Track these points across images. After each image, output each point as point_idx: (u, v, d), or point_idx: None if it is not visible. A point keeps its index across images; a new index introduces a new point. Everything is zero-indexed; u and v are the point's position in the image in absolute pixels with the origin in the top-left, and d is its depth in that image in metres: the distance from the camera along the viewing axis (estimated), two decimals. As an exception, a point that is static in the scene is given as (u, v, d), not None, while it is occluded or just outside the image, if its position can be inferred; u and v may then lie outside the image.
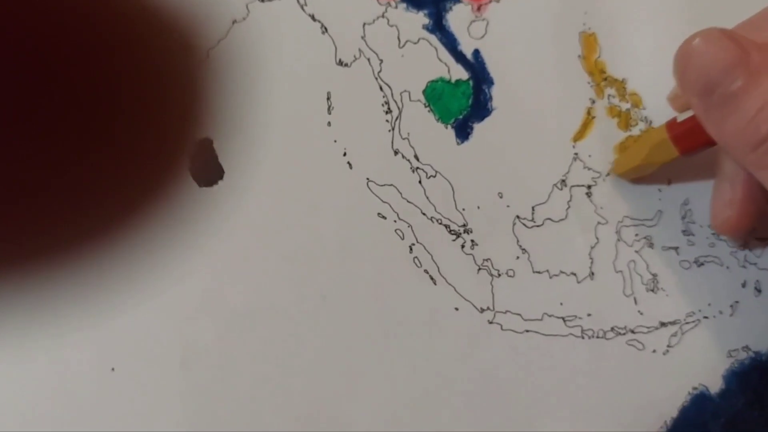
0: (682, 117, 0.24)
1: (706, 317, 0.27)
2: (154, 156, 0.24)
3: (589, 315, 0.27)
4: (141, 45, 0.24)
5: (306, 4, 0.26)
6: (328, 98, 0.26)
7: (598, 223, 0.27)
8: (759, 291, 0.28)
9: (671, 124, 0.25)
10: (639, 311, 0.27)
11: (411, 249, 0.26)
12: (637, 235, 0.28)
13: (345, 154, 0.26)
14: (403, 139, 0.26)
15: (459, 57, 0.27)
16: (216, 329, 0.24)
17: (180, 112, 0.25)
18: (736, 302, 0.28)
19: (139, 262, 0.24)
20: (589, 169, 0.28)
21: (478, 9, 0.28)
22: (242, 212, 0.25)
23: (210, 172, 0.25)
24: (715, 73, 0.21)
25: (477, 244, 0.26)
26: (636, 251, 0.28)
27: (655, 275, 0.27)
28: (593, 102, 0.28)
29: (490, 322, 0.26)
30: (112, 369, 0.23)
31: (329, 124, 0.26)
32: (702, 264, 0.28)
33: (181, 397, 0.23)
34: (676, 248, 0.28)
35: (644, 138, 0.27)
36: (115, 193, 0.24)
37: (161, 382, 0.23)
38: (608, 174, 0.28)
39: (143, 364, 0.23)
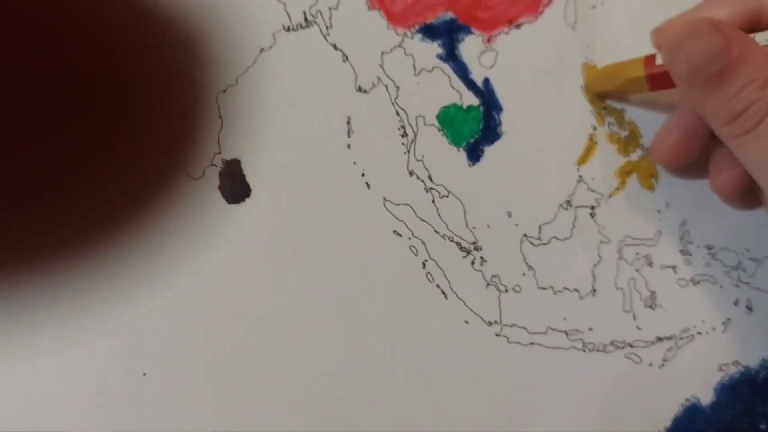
0: (660, 61, 0.26)
1: (699, 333, 0.29)
2: (184, 174, 0.26)
3: (590, 329, 0.28)
4: (173, 72, 0.26)
5: (329, 34, 0.28)
6: (348, 122, 0.28)
7: (601, 242, 0.29)
8: (750, 309, 0.29)
9: (649, 62, 0.27)
10: (637, 326, 0.29)
11: (424, 265, 0.27)
12: (637, 254, 0.29)
13: (363, 175, 0.27)
14: (418, 161, 0.28)
15: (470, 85, 0.29)
16: (240, 337, 0.26)
17: (211, 134, 0.26)
18: (728, 319, 0.29)
19: (168, 276, 0.25)
20: (593, 191, 0.30)
21: (489, 40, 0.30)
22: (267, 228, 0.26)
23: (238, 190, 0.26)
24: (700, 61, 0.24)
25: (486, 261, 0.28)
26: (636, 269, 0.29)
27: (653, 292, 0.29)
28: (595, 129, 0.30)
29: (498, 335, 0.27)
30: (144, 374, 0.25)
31: (349, 146, 0.28)
32: (698, 282, 0.29)
33: (206, 400, 0.25)
34: (673, 267, 0.30)
35: (620, 69, 0.28)
36: (145, 209, 0.25)
37: (187, 386, 0.25)
38: (610, 195, 0.30)
39: (171, 370, 0.25)
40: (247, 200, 0.26)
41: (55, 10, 0.25)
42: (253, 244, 0.26)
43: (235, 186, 0.26)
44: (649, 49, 0.28)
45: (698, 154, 0.27)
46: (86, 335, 0.25)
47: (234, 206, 0.26)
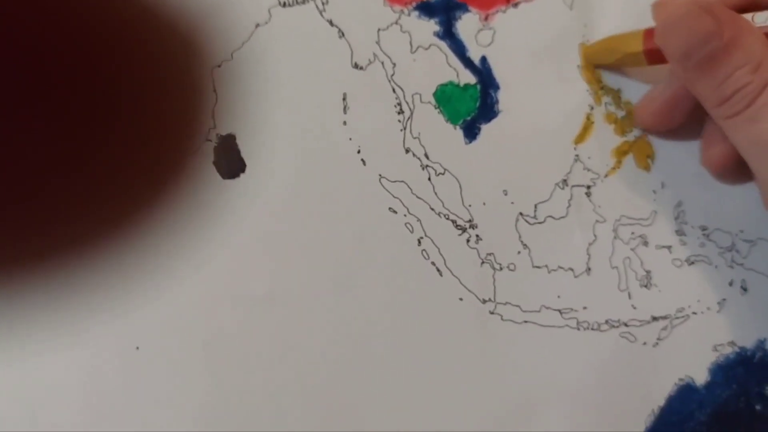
0: None
1: (694, 313, 0.29)
2: (179, 149, 0.26)
3: (584, 308, 0.28)
4: (169, 47, 0.26)
5: (324, 10, 0.28)
6: (344, 99, 0.28)
7: (597, 221, 0.29)
8: (745, 290, 0.29)
9: (647, 36, 0.27)
10: (632, 305, 0.29)
11: (419, 242, 0.27)
12: (633, 233, 0.29)
13: (359, 152, 0.27)
14: (414, 138, 0.28)
15: (467, 63, 0.29)
16: (236, 314, 0.26)
17: (206, 109, 0.26)
18: (724, 300, 0.29)
19: (164, 251, 0.25)
20: (589, 170, 0.29)
21: (486, 18, 0.30)
22: (262, 203, 0.26)
23: (233, 166, 0.26)
24: (691, 45, 0.24)
25: (481, 239, 0.28)
26: (632, 249, 0.29)
27: (648, 272, 0.29)
28: (592, 108, 0.30)
29: (492, 313, 0.27)
30: (137, 348, 0.25)
31: (345, 123, 0.27)
32: (693, 263, 0.29)
33: (203, 379, 0.25)
34: (669, 247, 0.30)
35: (620, 42, 0.28)
36: (140, 183, 0.25)
37: (185, 363, 0.25)
38: (606, 175, 0.30)
39: (168, 346, 0.25)
40: (242, 175, 0.26)
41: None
42: (248, 219, 0.26)
43: (230, 161, 0.26)
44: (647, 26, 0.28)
45: (679, 124, 0.27)
46: (81, 314, 0.25)
47: (229, 181, 0.26)
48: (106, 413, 0.24)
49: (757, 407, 0.29)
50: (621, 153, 0.30)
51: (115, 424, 0.24)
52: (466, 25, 0.29)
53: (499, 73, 0.29)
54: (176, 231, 0.25)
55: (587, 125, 0.30)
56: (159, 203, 0.25)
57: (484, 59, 0.29)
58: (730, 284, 0.29)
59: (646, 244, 0.29)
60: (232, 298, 0.26)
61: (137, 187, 0.25)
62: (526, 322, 0.28)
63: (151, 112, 0.26)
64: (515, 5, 0.30)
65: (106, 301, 0.25)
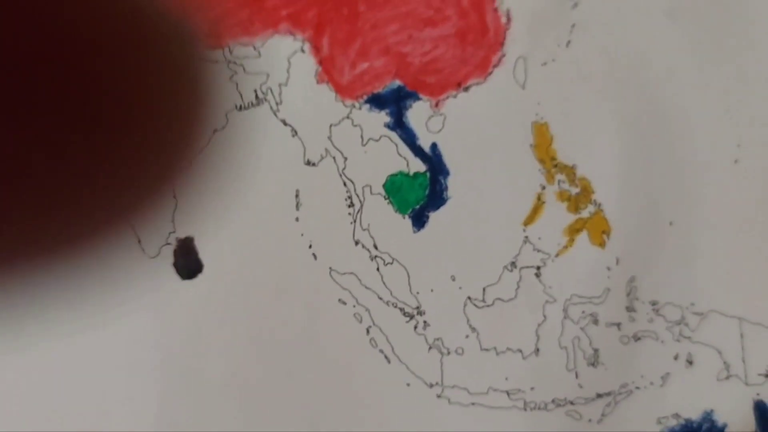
0: None
1: (638, 388, 0.30)
2: (141, 252, 0.28)
3: (532, 389, 0.30)
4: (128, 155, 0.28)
5: (278, 110, 0.29)
6: (297, 195, 0.29)
7: (546, 301, 0.30)
8: (690, 363, 0.30)
9: None
10: (579, 384, 0.30)
11: (368, 331, 0.29)
12: (583, 312, 0.30)
13: (311, 246, 0.29)
14: (364, 230, 0.29)
15: (417, 151, 0.30)
16: (192, 402, 0.28)
17: (167, 214, 0.28)
18: (668, 373, 0.30)
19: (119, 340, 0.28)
20: (539, 251, 0.30)
21: (437, 105, 0.30)
22: (218, 300, 0.28)
23: (191, 267, 0.28)
24: None
25: (429, 325, 0.29)
26: (581, 328, 0.30)
27: (596, 350, 0.30)
28: (543, 188, 0.31)
29: (439, 396, 0.29)
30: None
31: (297, 219, 0.29)
32: (639, 338, 0.30)
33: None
34: (618, 324, 0.30)
35: None
36: (102, 284, 0.28)
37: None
38: (557, 255, 0.31)
39: None
40: (200, 276, 0.28)
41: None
42: (205, 316, 0.28)
43: (188, 262, 0.28)
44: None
45: None
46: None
47: (187, 282, 0.28)
48: None
49: None
50: (574, 231, 0.31)
51: None
52: (417, 113, 0.30)
53: (449, 158, 0.30)
54: (137, 328, 0.28)
55: (537, 206, 0.31)
56: (118, 304, 0.28)
57: (434, 146, 0.30)
58: (675, 358, 0.30)
59: (596, 322, 0.30)
60: (189, 388, 0.28)
61: (95, 289, 0.28)
62: (473, 404, 0.29)
63: (114, 221, 0.28)
64: (466, 89, 0.31)
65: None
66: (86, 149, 0.26)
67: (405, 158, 0.30)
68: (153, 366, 0.28)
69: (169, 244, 0.28)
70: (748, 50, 0.30)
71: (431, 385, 0.29)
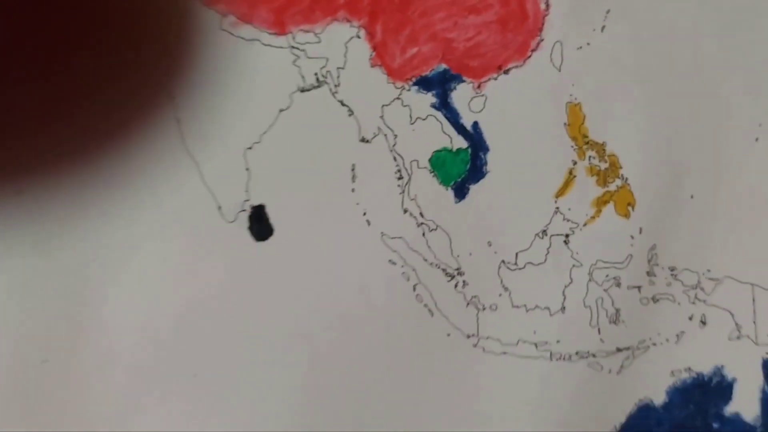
0: None
1: (654, 344, 0.34)
2: (221, 218, 0.33)
3: (557, 342, 0.34)
4: (203, 128, 0.32)
5: (337, 92, 0.33)
6: (353, 169, 0.33)
7: (573, 266, 0.34)
8: (704, 323, 0.34)
9: None
10: (601, 339, 0.34)
11: (414, 288, 0.33)
12: (607, 275, 0.34)
13: (365, 214, 0.33)
14: (411, 200, 0.33)
15: (460, 129, 0.34)
16: (255, 348, 0.33)
17: (241, 184, 0.33)
18: (682, 332, 0.34)
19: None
20: (568, 220, 0.34)
21: (479, 87, 0.34)
22: (285, 259, 0.33)
23: (263, 231, 0.33)
24: None
25: (467, 284, 0.33)
26: (605, 290, 0.34)
27: (618, 309, 0.34)
28: (575, 163, 0.34)
29: (474, 346, 0.33)
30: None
31: (353, 190, 0.33)
32: (657, 300, 0.34)
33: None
34: (639, 287, 0.34)
35: None
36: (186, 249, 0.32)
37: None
38: (585, 224, 0.34)
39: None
40: (271, 239, 0.33)
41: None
42: (274, 272, 0.33)
43: (261, 227, 0.33)
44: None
45: None
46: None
47: (260, 243, 0.33)
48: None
49: (715, 425, 0.34)
50: (601, 203, 0.34)
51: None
52: (460, 94, 0.34)
53: (489, 136, 0.34)
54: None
55: (569, 180, 0.34)
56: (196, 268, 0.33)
57: (476, 124, 0.34)
58: (690, 318, 0.33)
59: (618, 285, 0.34)
60: (255, 334, 0.33)
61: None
62: (504, 353, 0.33)
63: (198, 184, 0.33)
64: (506, 72, 0.34)
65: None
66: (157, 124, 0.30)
67: (449, 136, 0.33)
68: (226, 314, 0.32)
69: (244, 210, 0.33)
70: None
71: (468, 336, 0.33)
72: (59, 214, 0.31)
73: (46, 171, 0.31)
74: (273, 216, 0.32)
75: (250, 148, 0.32)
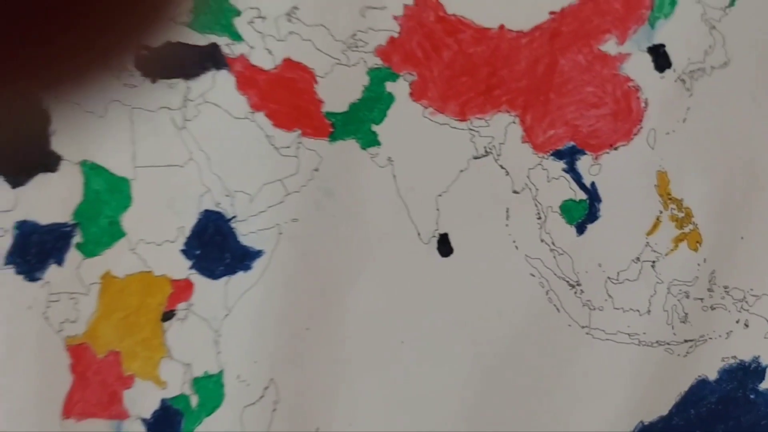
0: None
1: (710, 338, 0.49)
2: (417, 238, 0.50)
3: (644, 333, 0.50)
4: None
5: (498, 159, 0.49)
6: (507, 211, 0.50)
7: (657, 282, 0.50)
8: (747, 326, 0.49)
9: None
10: (674, 333, 0.49)
11: (547, 293, 0.50)
12: (680, 290, 0.50)
13: (515, 242, 0.50)
14: (546, 233, 0.50)
15: (582, 186, 0.50)
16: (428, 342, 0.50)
17: (432, 219, 0.50)
18: (731, 331, 0.49)
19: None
20: (655, 251, 0.50)
21: (596, 158, 0.50)
22: (462, 271, 0.49)
23: (447, 250, 0.50)
24: None
25: (584, 292, 0.50)
26: (678, 300, 0.50)
27: (687, 314, 0.50)
28: (661, 212, 0.50)
29: (587, 334, 0.50)
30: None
31: (507, 225, 0.50)
32: (714, 308, 0.49)
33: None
34: (701, 299, 0.50)
35: None
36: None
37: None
38: (666, 254, 0.50)
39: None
40: (452, 256, 0.50)
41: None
42: (451, 280, 0.49)
43: (445, 248, 0.50)
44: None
45: None
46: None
47: (445, 258, 0.50)
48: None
49: (751, 396, 0.49)
50: (678, 240, 0.50)
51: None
52: (583, 162, 0.50)
53: (602, 192, 0.50)
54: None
55: (656, 223, 0.50)
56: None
57: (593, 184, 0.50)
58: (737, 322, 0.49)
59: (687, 297, 0.49)
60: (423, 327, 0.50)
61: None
62: (607, 340, 0.49)
63: (400, 218, 0.50)
64: (616, 148, 0.50)
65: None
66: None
67: (574, 191, 0.50)
68: (422, 305, 0.49)
69: (434, 236, 0.49)
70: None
71: (583, 327, 0.49)
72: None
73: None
74: (454, 241, 0.49)
75: (440, 195, 0.49)
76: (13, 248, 0.45)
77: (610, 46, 0.48)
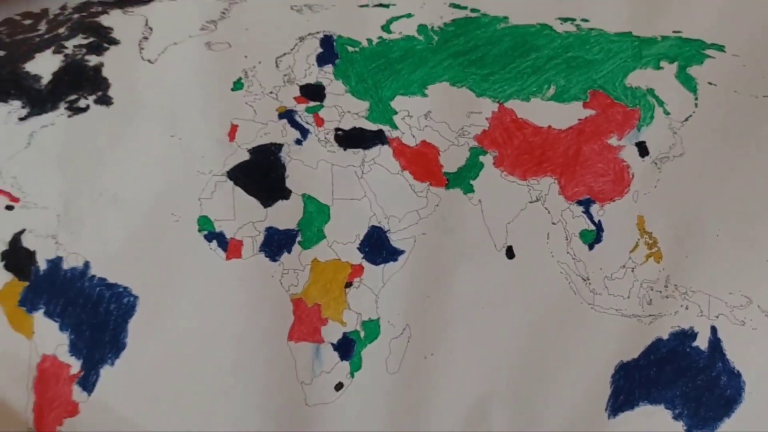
0: None
1: (665, 315, 0.84)
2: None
3: (625, 309, 0.84)
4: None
5: (544, 204, 0.85)
6: (548, 236, 0.85)
7: (634, 280, 0.84)
8: (687, 309, 0.83)
9: None
10: (642, 310, 0.84)
11: (569, 284, 0.84)
12: (648, 286, 0.84)
13: (552, 255, 0.85)
14: (570, 248, 0.84)
15: (593, 223, 0.85)
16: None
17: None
18: (677, 311, 0.84)
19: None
20: (634, 262, 0.84)
21: (602, 206, 0.85)
22: (520, 269, 0.85)
23: (510, 254, 0.85)
24: None
25: (591, 282, 0.84)
26: (646, 291, 0.84)
27: (651, 299, 0.84)
28: (639, 239, 0.84)
29: (592, 309, 0.84)
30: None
31: (547, 243, 0.85)
32: (668, 297, 0.84)
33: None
34: (660, 291, 0.84)
35: None
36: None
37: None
38: (641, 264, 0.85)
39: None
40: (514, 259, 0.85)
41: None
42: (517, 273, 0.85)
43: (510, 253, 0.85)
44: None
45: None
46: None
47: (510, 261, 0.85)
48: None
49: (687, 350, 0.84)
50: (648, 256, 0.84)
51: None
52: (594, 208, 0.85)
53: (605, 226, 0.84)
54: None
55: (636, 246, 0.84)
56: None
57: (599, 222, 0.84)
58: (681, 306, 0.83)
59: (652, 289, 0.84)
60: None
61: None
62: (603, 313, 0.84)
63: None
64: (613, 201, 0.85)
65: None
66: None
67: (587, 224, 0.85)
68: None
69: (504, 247, 0.85)
70: None
71: (589, 304, 0.84)
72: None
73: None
74: (516, 250, 0.85)
75: (509, 222, 0.85)
76: (263, 242, 0.82)
77: (613, 140, 0.83)
